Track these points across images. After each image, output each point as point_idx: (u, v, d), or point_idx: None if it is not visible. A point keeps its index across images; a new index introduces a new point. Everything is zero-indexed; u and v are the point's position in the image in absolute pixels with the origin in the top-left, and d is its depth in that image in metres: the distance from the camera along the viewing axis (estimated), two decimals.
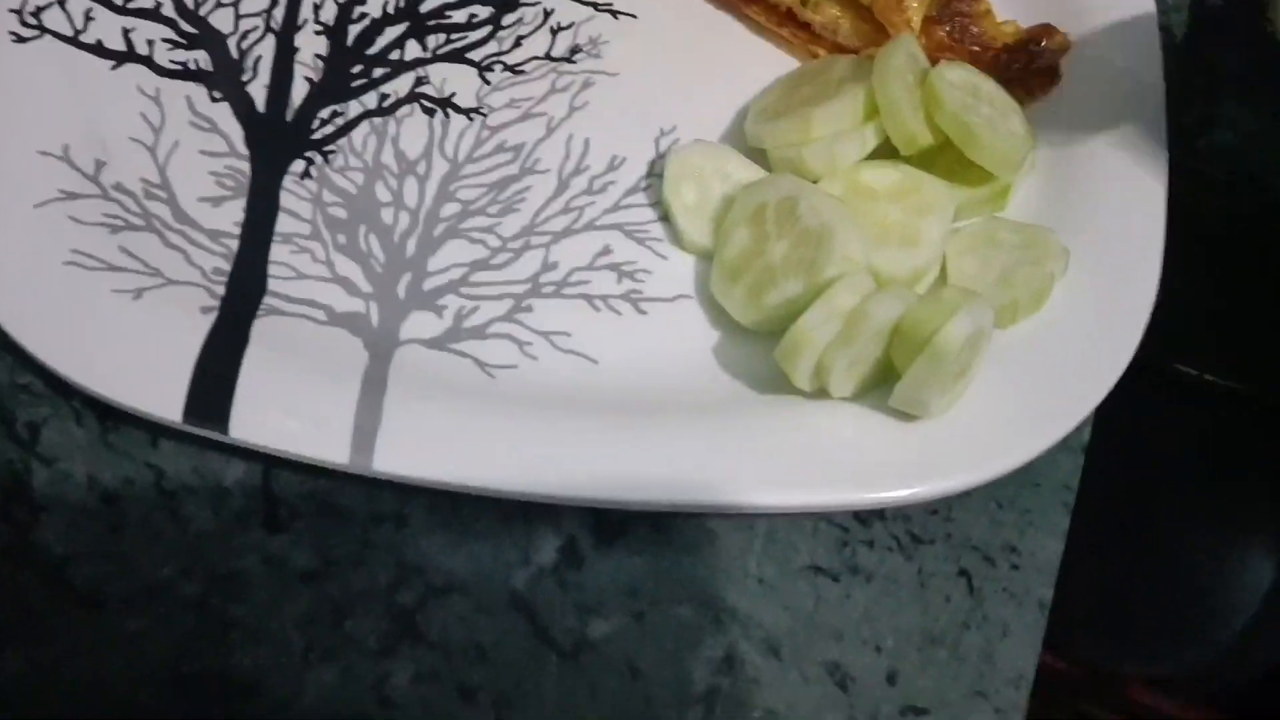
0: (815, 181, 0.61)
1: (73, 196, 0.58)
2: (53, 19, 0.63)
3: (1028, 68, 0.67)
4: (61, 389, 0.56)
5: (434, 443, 0.54)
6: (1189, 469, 0.76)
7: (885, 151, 0.63)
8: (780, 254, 0.58)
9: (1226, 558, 0.75)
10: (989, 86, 0.65)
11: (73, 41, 0.63)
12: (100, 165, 0.60)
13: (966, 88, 0.63)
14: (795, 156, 0.61)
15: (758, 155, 0.63)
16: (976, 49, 0.67)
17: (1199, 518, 0.75)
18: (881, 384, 0.56)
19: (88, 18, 0.64)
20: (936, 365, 0.52)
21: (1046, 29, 0.68)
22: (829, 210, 0.57)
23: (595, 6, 0.69)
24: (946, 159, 0.62)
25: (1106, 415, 0.58)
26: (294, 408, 0.54)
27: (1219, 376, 0.74)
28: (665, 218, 0.63)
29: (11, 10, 0.63)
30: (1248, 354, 0.74)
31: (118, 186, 0.59)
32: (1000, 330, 0.58)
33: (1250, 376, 0.74)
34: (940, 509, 0.57)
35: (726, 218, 0.60)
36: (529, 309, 0.60)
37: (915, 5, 0.66)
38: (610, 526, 0.56)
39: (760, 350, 0.58)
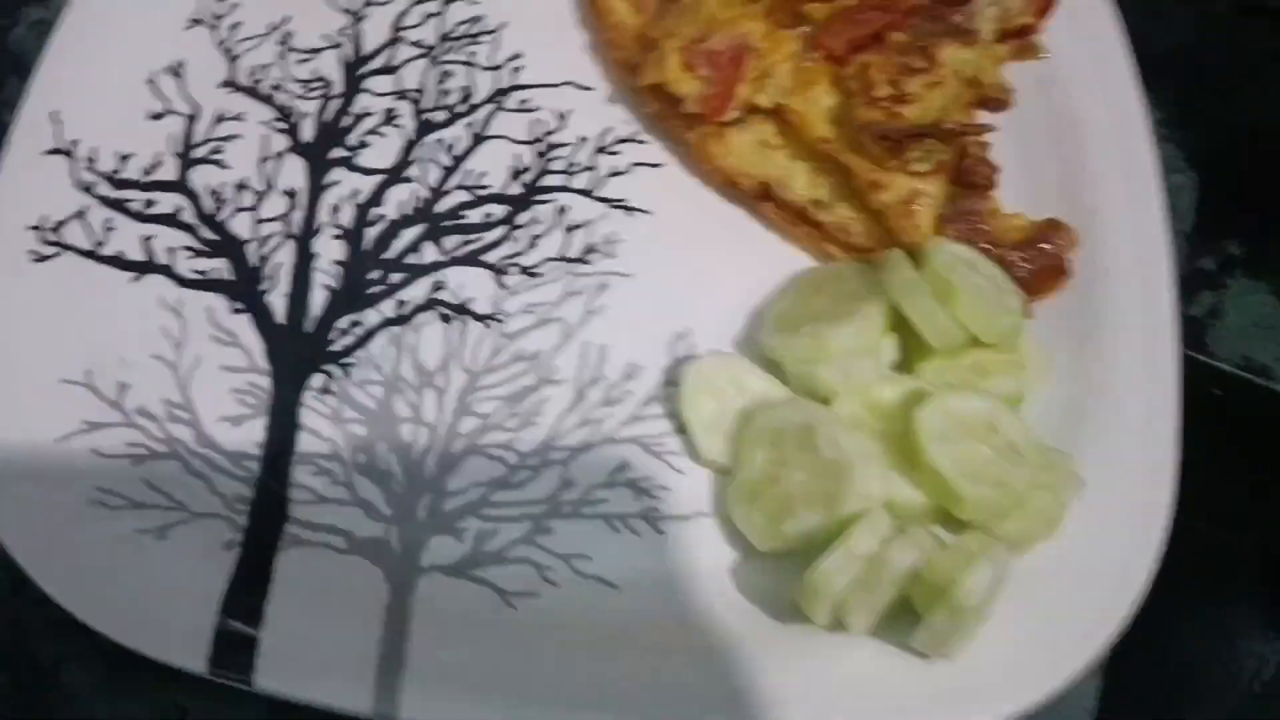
0: (830, 399, 0.62)
1: (96, 427, 0.59)
2: (73, 234, 0.64)
3: (1037, 265, 0.68)
4: (84, 625, 0.56)
5: (457, 690, 0.54)
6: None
7: (901, 364, 0.64)
8: (798, 483, 0.58)
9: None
10: (989, 268, 0.66)
11: (93, 255, 0.64)
12: (123, 389, 0.60)
13: (963, 260, 0.64)
14: (810, 373, 0.62)
15: (773, 366, 0.64)
16: (986, 247, 0.68)
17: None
18: (900, 617, 0.57)
19: (107, 228, 0.65)
20: (957, 617, 0.53)
21: (1054, 225, 0.69)
22: (847, 443, 0.58)
23: (609, 203, 0.70)
24: (973, 359, 0.64)
25: None
26: (318, 657, 0.54)
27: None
28: (682, 430, 0.63)
29: (31, 227, 0.63)
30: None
31: (141, 410, 0.60)
32: (1015, 557, 0.58)
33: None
34: None
35: (744, 438, 0.61)
36: (549, 530, 0.60)
37: (925, 209, 0.67)
38: None
39: (778, 573, 0.59)
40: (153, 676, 0.56)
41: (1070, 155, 0.73)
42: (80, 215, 0.65)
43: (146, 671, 0.56)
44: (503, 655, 0.55)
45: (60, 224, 0.64)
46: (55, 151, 0.66)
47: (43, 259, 0.63)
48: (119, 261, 0.64)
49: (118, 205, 0.66)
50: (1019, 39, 0.76)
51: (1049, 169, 0.73)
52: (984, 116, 0.73)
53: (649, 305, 0.67)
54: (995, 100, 0.73)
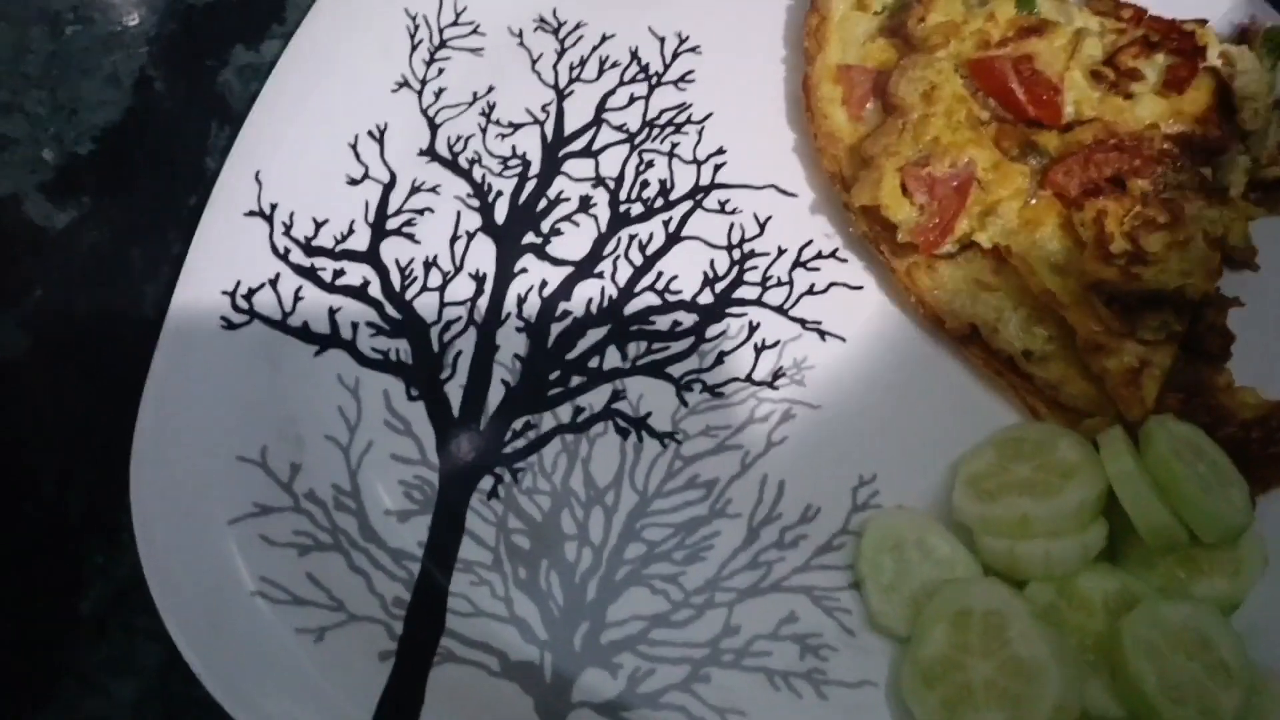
0: (1025, 581, 0.57)
1: (266, 511, 0.58)
2: (263, 301, 0.63)
3: (1269, 450, 0.62)
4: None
5: None
6: None
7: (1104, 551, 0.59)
8: (983, 676, 0.54)
9: None
10: (1216, 453, 0.60)
11: (280, 326, 0.63)
12: (295, 470, 0.59)
13: (1188, 443, 0.59)
14: (1007, 551, 0.57)
15: (963, 531, 0.60)
16: (1211, 424, 0.62)
17: None
18: None
19: (297, 298, 0.64)
20: None
21: None
22: (1043, 644, 0.53)
23: (804, 324, 0.67)
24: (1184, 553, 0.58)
25: None
26: None
27: None
28: (856, 586, 0.60)
29: (225, 292, 0.63)
30: None
31: (310, 495, 0.59)
32: None
33: None
34: None
35: (926, 611, 0.57)
36: (706, 679, 0.57)
37: (1151, 381, 0.61)
38: None
39: None
40: None
41: None
42: (273, 283, 0.64)
43: None
44: None
45: (253, 291, 0.63)
46: (254, 214, 0.65)
47: (233, 326, 0.62)
48: (305, 333, 0.64)
49: (309, 273, 0.65)
50: (1267, 193, 0.70)
51: None
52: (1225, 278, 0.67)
53: (835, 444, 0.63)
54: (1240, 261, 0.67)
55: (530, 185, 0.70)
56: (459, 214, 0.69)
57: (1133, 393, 0.61)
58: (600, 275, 0.67)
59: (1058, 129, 0.68)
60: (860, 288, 0.68)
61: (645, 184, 0.71)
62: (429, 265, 0.67)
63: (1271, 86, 0.68)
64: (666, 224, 0.69)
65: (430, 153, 0.70)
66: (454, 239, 0.68)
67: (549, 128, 0.72)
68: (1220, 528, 0.57)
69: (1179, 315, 0.61)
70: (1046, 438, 0.62)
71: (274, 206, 0.66)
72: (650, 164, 0.71)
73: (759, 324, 0.67)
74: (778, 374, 0.65)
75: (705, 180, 0.71)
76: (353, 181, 0.68)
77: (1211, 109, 0.68)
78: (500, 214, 0.69)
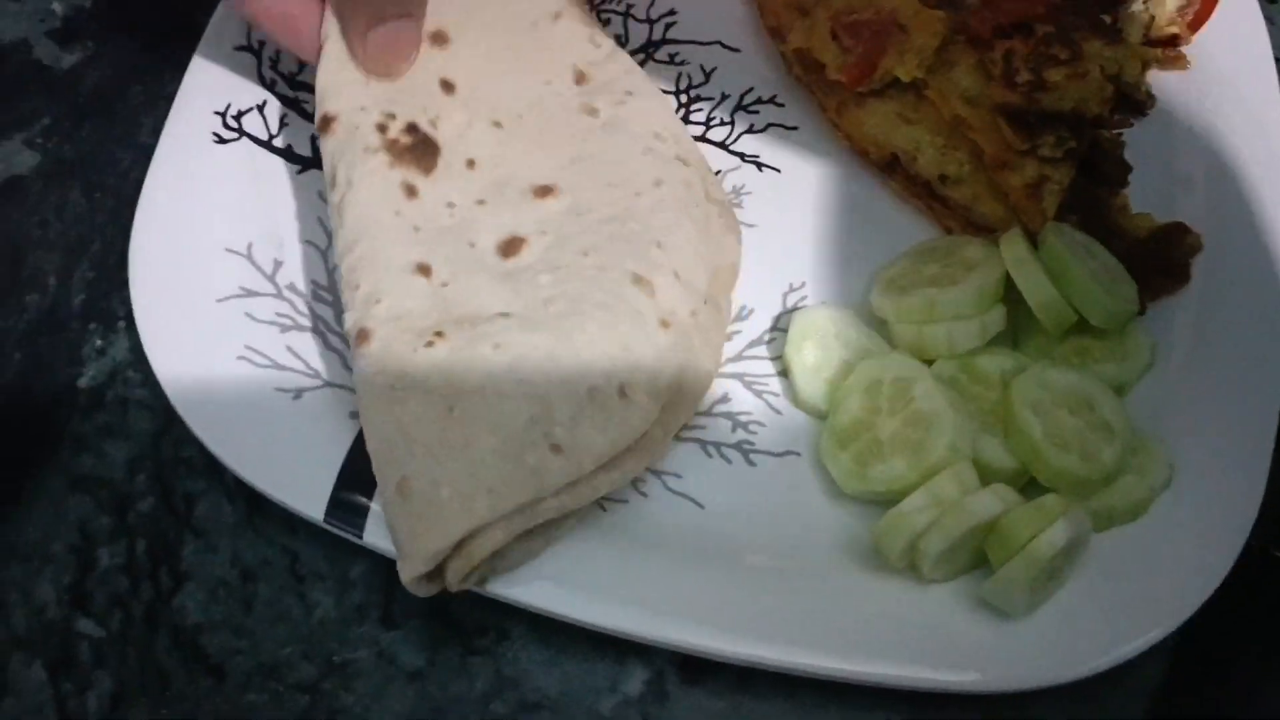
0: (931, 361, 0.64)
1: (251, 294, 0.64)
2: (251, 123, 0.70)
3: (1158, 265, 0.69)
4: (218, 468, 0.62)
5: (541, 572, 0.57)
6: None
7: (1005, 339, 0.66)
8: (890, 431, 0.60)
9: None
10: (1107, 257, 0.66)
11: (267, 145, 0.70)
12: (278, 265, 0.66)
13: (1082, 245, 0.65)
14: (915, 334, 0.64)
15: (880, 324, 0.66)
16: (1107, 241, 0.69)
17: None
18: (971, 570, 0.59)
19: (282, 123, 0.71)
20: (1030, 570, 0.54)
21: (1180, 228, 0.70)
22: (942, 398, 0.60)
23: (743, 157, 0.73)
24: (1079, 343, 0.65)
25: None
26: None
27: None
28: (784, 373, 0.66)
29: (216, 113, 0.70)
30: None
31: (291, 287, 0.65)
32: (1095, 533, 0.59)
33: None
34: (1019, 698, 0.59)
35: (843, 385, 0.63)
36: (660, 458, 0.63)
37: (1050, 195, 0.68)
38: (696, 667, 0.60)
39: (857, 518, 0.61)
40: (274, 523, 0.62)
41: (1203, 167, 0.73)
42: (260, 108, 0.71)
43: (269, 519, 0.62)
44: (587, 551, 0.59)
45: (242, 113, 0.70)
46: (243, 49, 0.72)
47: (223, 141, 0.69)
48: (289, 154, 0.70)
49: (293, 104, 0.72)
50: (1165, 48, 0.77)
51: (1180, 178, 0.73)
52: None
53: (768, 256, 0.70)
54: (1136, 102, 0.74)
55: None
56: None
57: (1034, 205, 0.68)
58: None
59: None
60: (795, 128, 0.75)
61: None
62: None
63: None
64: None
65: None
66: None
67: None
68: (1106, 310, 0.63)
69: (1075, 134, 0.68)
70: (956, 244, 0.68)
71: (261, 44, 0.73)
72: (607, 21, 0.78)
73: (702, 157, 0.73)
74: None
75: (657, 36, 0.78)
76: None
77: None
78: None
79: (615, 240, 0.62)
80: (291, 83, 0.72)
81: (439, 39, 0.67)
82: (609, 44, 0.72)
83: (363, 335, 0.58)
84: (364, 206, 0.61)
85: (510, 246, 0.62)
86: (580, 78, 0.69)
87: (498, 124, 0.66)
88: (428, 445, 0.54)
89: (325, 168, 0.63)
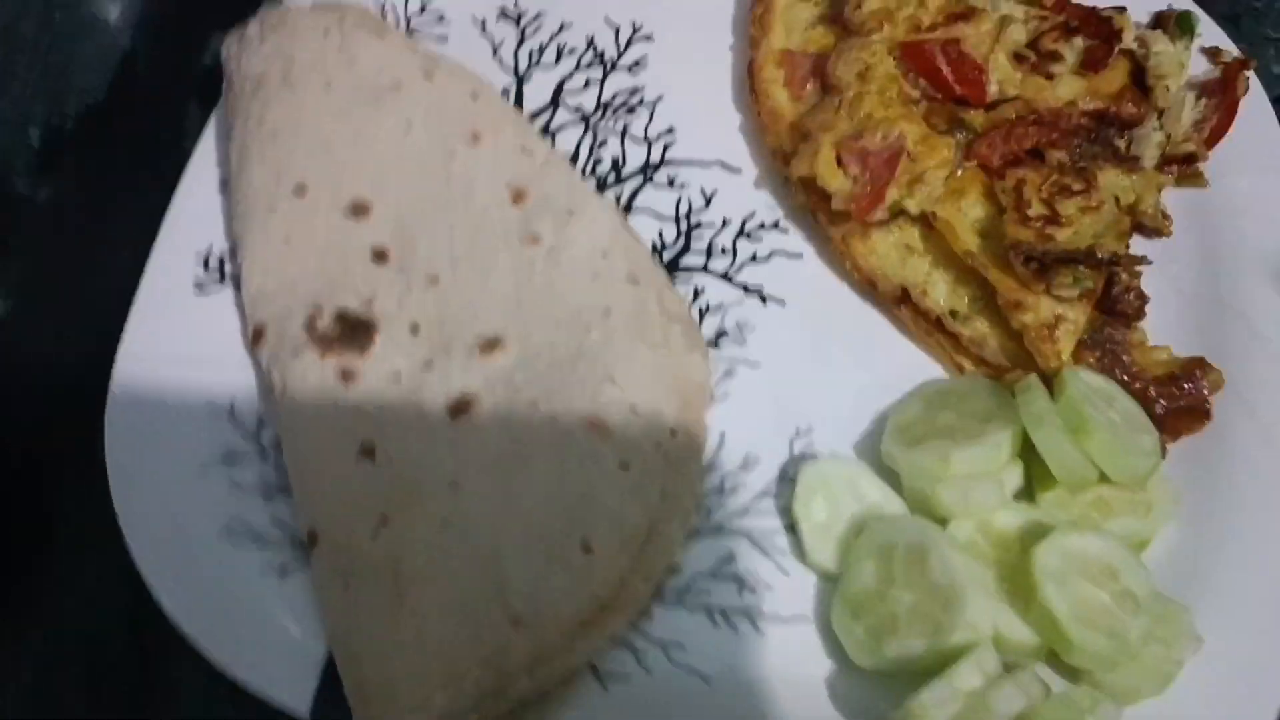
0: (947, 520, 0.61)
1: (234, 458, 0.61)
2: (234, 266, 0.67)
3: (1177, 404, 0.66)
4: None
5: None
6: None
7: (1022, 490, 0.63)
8: (905, 604, 0.58)
9: None
10: (1127, 403, 0.64)
11: None
12: (261, 422, 0.63)
13: (1100, 392, 0.63)
14: (929, 491, 0.61)
15: (891, 475, 0.64)
16: (1127, 379, 0.66)
17: None
18: None
19: None
20: None
21: (1201, 364, 0.67)
22: (960, 569, 0.57)
23: (745, 289, 0.71)
24: (1099, 494, 0.62)
25: None
26: None
27: None
28: (792, 529, 0.63)
29: (198, 254, 0.67)
30: None
31: (275, 444, 0.62)
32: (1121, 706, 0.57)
33: None
34: None
35: (854, 547, 0.60)
36: (649, 615, 0.60)
37: (1066, 335, 0.66)
38: None
39: (874, 692, 0.58)
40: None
41: (1223, 291, 0.71)
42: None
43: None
44: None
45: (223, 258, 0.67)
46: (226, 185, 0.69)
47: (203, 289, 0.66)
48: None
49: None
50: (1182, 166, 0.74)
51: (1200, 304, 0.71)
52: (1138, 244, 0.71)
53: (773, 398, 0.67)
54: (1153, 229, 0.71)
55: None
56: None
57: (1049, 346, 0.65)
58: None
59: (983, 107, 0.72)
60: (800, 255, 0.73)
61: (599, 161, 0.75)
62: None
63: (1183, 66, 0.73)
64: (619, 198, 0.73)
65: None
66: None
67: None
68: (1127, 467, 0.61)
69: (1091, 272, 0.65)
70: (969, 388, 0.66)
71: None
72: (604, 143, 0.75)
73: (703, 289, 0.71)
74: (720, 334, 0.69)
75: (655, 158, 0.75)
76: None
77: (1127, 87, 0.72)
78: None
79: (567, 384, 0.60)
80: None
81: (360, 210, 0.65)
82: (543, 148, 0.70)
83: (312, 537, 0.56)
84: (299, 405, 0.59)
85: (459, 407, 0.60)
86: (518, 196, 0.67)
87: (435, 279, 0.63)
88: (380, 643, 0.52)
89: (263, 377, 0.62)
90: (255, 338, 0.62)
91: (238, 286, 0.65)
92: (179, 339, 0.64)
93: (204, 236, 0.67)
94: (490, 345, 0.62)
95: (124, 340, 0.63)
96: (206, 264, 0.67)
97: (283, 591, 0.57)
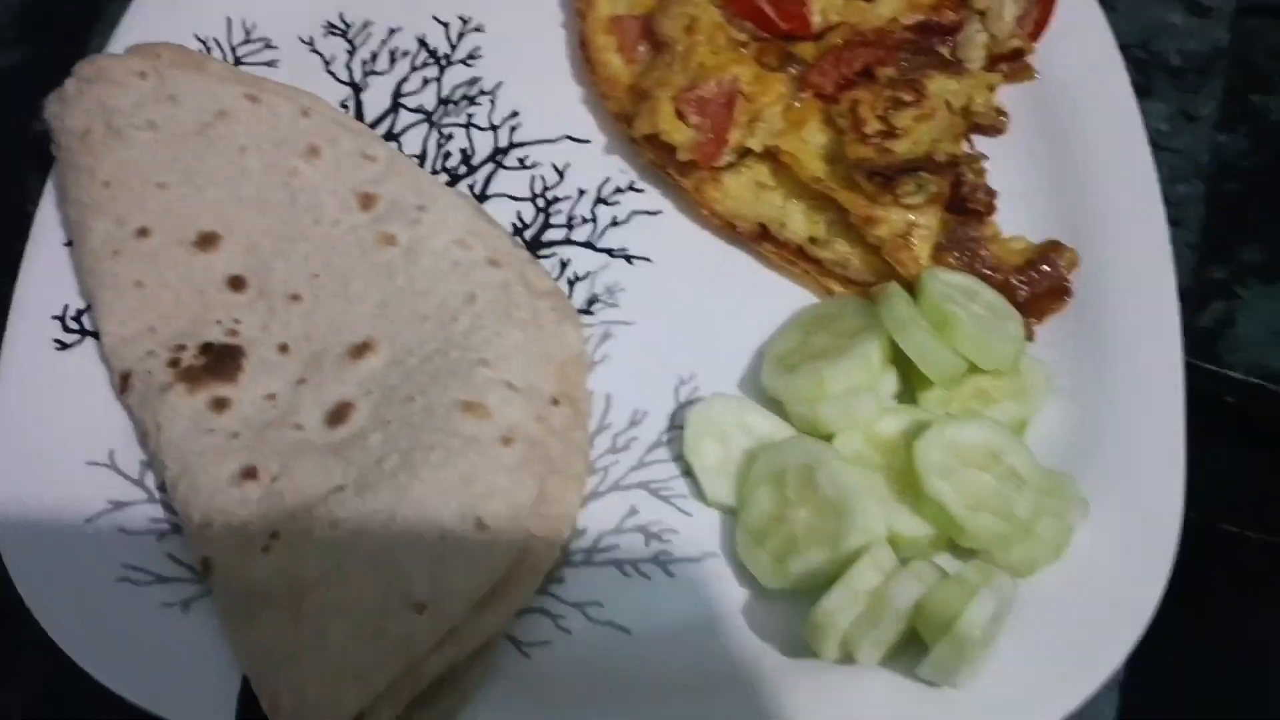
0: (833, 435, 0.62)
1: (121, 506, 0.61)
2: (90, 320, 0.67)
3: (1039, 287, 0.68)
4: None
5: None
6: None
7: (903, 394, 0.65)
8: (802, 522, 0.59)
9: None
10: (990, 294, 0.66)
11: None
12: (145, 467, 0.63)
13: (960, 289, 0.65)
14: (812, 412, 0.63)
15: (776, 404, 0.65)
16: (988, 273, 0.68)
17: None
18: (908, 647, 0.57)
19: None
20: (961, 647, 0.53)
21: (1055, 246, 0.69)
22: (847, 480, 0.58)
23: (610, 254, 0.72)
24: (975, 386, 0.64)
25: None
26: None
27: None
28: (688, 473, 0.64)
29: (54, 317, 0.66)
30: None
31: (161, 486, 0.62)
32: (1020, 582, 0.58)
33: None
34: None
35: (748, 478, 0.62)
36: (560, 579, 0.61)
37: (921, 240, 0.67)
38: None
39: (788, 611, 0.59)
40: None
41: (1068, 174, 0.73)
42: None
43: None
44: (517, 704, 0.56)
45: (81, 312, 0.67)
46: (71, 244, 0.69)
47: (65, 347, 0.65)
48: None
49: None
50: (1011, 62, 0.76)
51: (1047, 190, 0.73)
52: (980, 143, 0.73)
53: (652, 352, 0.68)
54: (989, 126, 0.73)
55: None
56: None
57: (907, 254, 0.67)
58: None
59: (810, 38, 0.74)
60: (659, 212, 0.74)
61: (448, 155, 0.75)
62: None
63: None
64: (472, 187, 0.74)
65: None
66: None
67: None
68: (994, 354, 0.62)
69: (934, 177, 0.67)
70: (840, 309, 0.67)
71: None
72: (450, 136, 0.76)
73: (570, 260, 0.71)
74: (592, 300, 0.70)
75: (503, 142, 0.76)
76: None
77: None
78: None
79: (439, 376, 0.61)
80: None
81: (207, 242, 0.65)
82: (384, 151, 0.70)
83: (205, 565, 0.56)
84: (174, 442, 0.59)
85: (337, 415, 0.60)
86: (366, 201, 0.68)
87: (296, 297, 0.64)
88: (286, 653, 0.52)
89: (138, 423, 0.62)
90: (122, 385, 0.62)
91: (98, 338, 0.65)
92: (48, 396, 0.64)
93: (58, 297, 0.67)
94: (359, 350, 0.63)
95: None
96: (63, 323, 0.66)
97: (188, 623, 0.57)
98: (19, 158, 0.77)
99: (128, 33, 0.75)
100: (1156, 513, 0.60)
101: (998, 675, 0.56)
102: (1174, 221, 0.72)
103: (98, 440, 0.63)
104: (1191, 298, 0.73)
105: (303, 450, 0.59)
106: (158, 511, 0.61)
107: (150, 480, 0.62)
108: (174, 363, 0.61)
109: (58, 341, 0.65)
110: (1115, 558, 0.59)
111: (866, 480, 0.59)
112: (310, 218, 0.66)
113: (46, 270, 0.67)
